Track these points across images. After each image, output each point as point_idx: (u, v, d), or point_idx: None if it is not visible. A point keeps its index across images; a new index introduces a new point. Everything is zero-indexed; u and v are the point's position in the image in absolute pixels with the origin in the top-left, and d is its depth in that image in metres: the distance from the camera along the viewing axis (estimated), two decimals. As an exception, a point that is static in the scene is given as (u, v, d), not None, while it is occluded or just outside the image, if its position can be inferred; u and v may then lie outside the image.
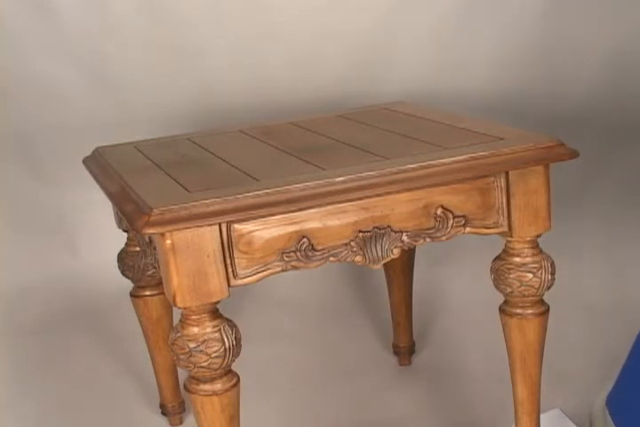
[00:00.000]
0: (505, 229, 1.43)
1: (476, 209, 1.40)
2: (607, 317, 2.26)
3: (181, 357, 1.29)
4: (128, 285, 1.82)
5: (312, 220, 1.30)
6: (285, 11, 2.43)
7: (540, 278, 1.48)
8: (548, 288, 1.50)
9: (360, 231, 1.33)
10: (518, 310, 1.52)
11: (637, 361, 1.68)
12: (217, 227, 1.24)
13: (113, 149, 1.72)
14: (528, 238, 1.46)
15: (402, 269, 2.03)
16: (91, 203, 2.50)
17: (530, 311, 1.51)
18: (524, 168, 1.40)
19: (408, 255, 2.01)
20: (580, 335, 2.16)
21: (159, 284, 1.71)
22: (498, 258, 1.51)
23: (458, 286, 2.45)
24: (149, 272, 1.76)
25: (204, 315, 1.28)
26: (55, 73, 2.47)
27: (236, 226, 1.26)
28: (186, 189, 1.32)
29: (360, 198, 1.31)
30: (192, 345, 1.28)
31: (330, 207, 1.30)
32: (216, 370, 1.30)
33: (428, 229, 1.38)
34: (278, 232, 1.28)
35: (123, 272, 1.79)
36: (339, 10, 2.43)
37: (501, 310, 1.55)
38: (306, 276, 2.16)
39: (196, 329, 1.28)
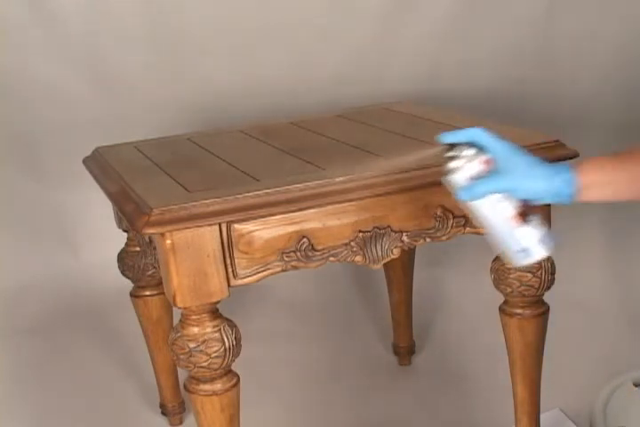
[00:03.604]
0: (505, 229, 1.43)
1: (476, 209, 1.40)
2: (607, 317, 2.26)
3: (181, 357, 1.29)
4: (128, 285, 1.82)
5: (312, 220, 1.30)
6: (285, 11, 2.43)
7: (540, 278, 1.48)
8: (548, 288, 1.51)
9: (360, 231, 1.33)
10: (518, 310, 1.52)
11: None
12: (217, 227, 1.24)
13: (113, 148, 1.72)
14: (528, 238, 1.45)
15: (402, 270, 2.03)
16: (91, 203, 2.49)
17: (529, 311, 1.52)
18: (523, 168, 1.39)
19: (408, 255, 2.01)
20: (580, 335, 2.16)
21: (159, 284, 1.70)
22: (498, 258, 1.51)
23: (458, 286, 2.45)
24: (149, 272, 1.76)
25: (203, 315, 1.28)
26: (55, 73, 2.46)
27: (236, 226, 1.26)
28: (186, 189, 1.32)
29: (360, 198, 1.31)
30: (192, 345, 1.28)
31: (330, 207, 1.30)
32: (216, 370, 1.30)
33: (428, 229, 1.38)
34: (278, 232, 1.28)
35: (123, 272, 1.79)
36: (339, 10, 2.43)
37: (501, 310, 1.55)
38: (306, 276, 2.15)
39: (195, 329, 1.28)
